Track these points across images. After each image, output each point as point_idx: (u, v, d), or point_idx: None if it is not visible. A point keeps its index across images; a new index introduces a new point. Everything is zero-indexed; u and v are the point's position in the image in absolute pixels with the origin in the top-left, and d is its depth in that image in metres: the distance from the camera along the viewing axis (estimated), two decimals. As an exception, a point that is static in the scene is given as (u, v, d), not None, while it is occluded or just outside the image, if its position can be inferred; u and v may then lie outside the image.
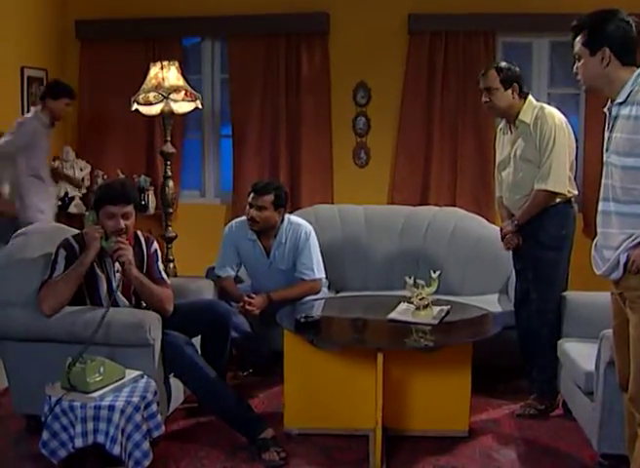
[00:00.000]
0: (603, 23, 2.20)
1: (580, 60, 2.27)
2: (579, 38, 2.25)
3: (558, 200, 3.20)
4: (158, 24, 5.20)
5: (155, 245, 3.14)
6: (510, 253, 3.48)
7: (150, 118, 5.02)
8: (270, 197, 3.60)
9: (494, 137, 4.93)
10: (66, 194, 5.26)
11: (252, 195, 3.63)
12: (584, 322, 3.15)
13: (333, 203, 5.03)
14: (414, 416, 3.05)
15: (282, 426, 3.09)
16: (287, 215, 3.76)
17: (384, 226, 4.24)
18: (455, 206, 4.81)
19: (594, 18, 2.23)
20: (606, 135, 2.25)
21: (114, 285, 2.94)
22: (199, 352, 3.05)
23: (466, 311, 3.40)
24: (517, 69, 3.24)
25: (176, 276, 4.61)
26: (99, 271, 2.94)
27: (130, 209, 2.91)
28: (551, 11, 4.79)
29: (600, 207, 2.27)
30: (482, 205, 4.96)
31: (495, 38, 4.95)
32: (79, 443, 2.49)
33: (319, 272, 3.69)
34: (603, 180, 2.25)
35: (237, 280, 3.85)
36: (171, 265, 4.80)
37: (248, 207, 3.65)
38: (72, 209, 5.24)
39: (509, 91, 3.19)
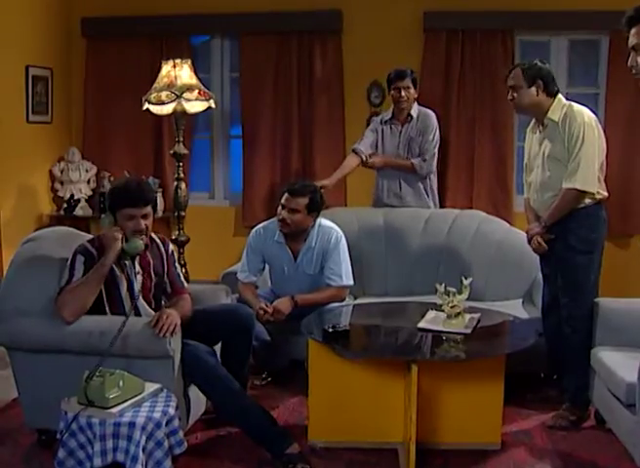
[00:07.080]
0: None
1: None
2: (637, 29, 2.09)
3: (587, 201, 3.09)
4: (166, 22, 5.10)
5: (171, 246, 3.09)
6: (537, 257, 3.36)
7: (158, 118, 4.89)
8: (305, 200, 3.45)
9: (512, 138, 4.92)
10: (72, 196, 5.13)
11: (285, 196, 3.48)
12: (619, 329, 3.03)
13: (346, 205, 4.92)
14: (444, 429, 2.92)
15: (305, 439, 2.96)
16: (317, 219, 3.60)
17: (404, 230, 4.10)
18: (471, 209, 4.69)
19: None
20: None
21: (136, 289, 2.85)
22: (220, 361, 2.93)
23: (494, 318, 3.28)
24: (545, 67, 3.15)
25: (188, 281, 4.47)
26: (118, 272, 2.84)
27: (149, 209, 2.85)
28: (570, 8, 4.70)
29: None
30: (500, 208, 4.85)
31: (512, 36, 4.84)
32: (98, 462, 2.35)
33: (347, 279, 3.55)
34: None
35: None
36: (183, 270, 4.66)
37: (280, 207, 3.49)
38: (78, 211, 5.12)
39: (533, 88, 3.10)
